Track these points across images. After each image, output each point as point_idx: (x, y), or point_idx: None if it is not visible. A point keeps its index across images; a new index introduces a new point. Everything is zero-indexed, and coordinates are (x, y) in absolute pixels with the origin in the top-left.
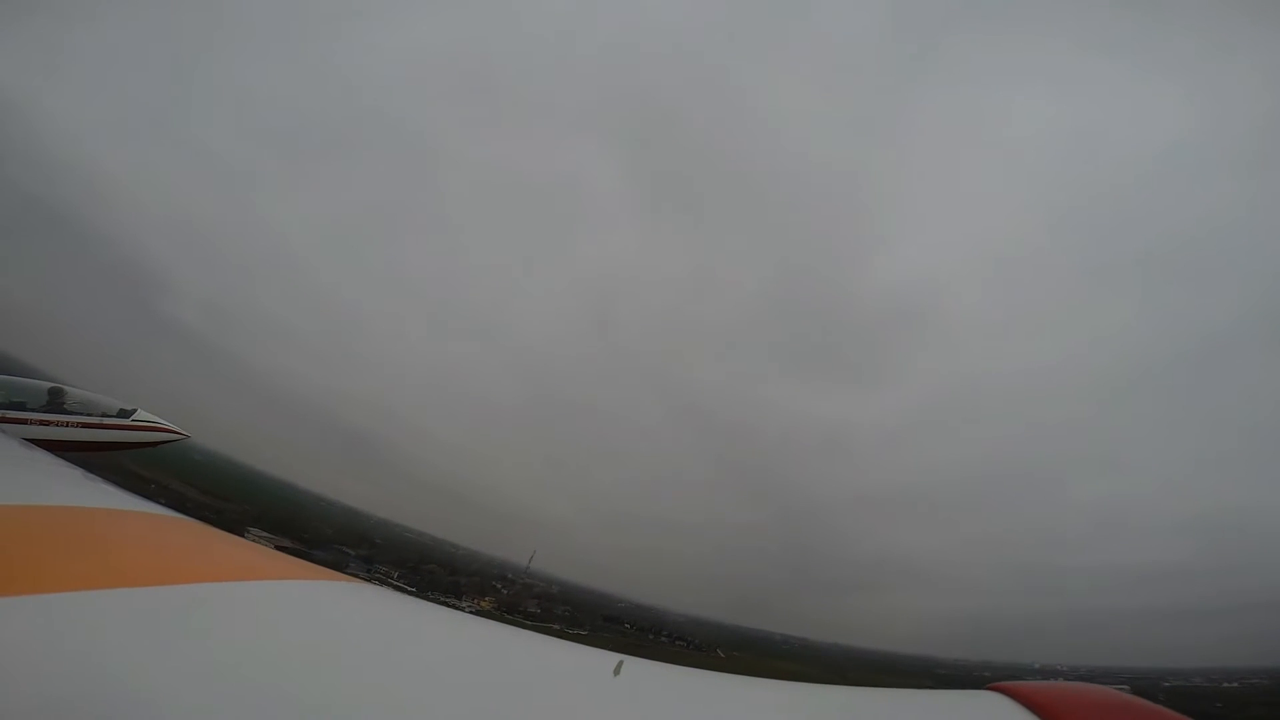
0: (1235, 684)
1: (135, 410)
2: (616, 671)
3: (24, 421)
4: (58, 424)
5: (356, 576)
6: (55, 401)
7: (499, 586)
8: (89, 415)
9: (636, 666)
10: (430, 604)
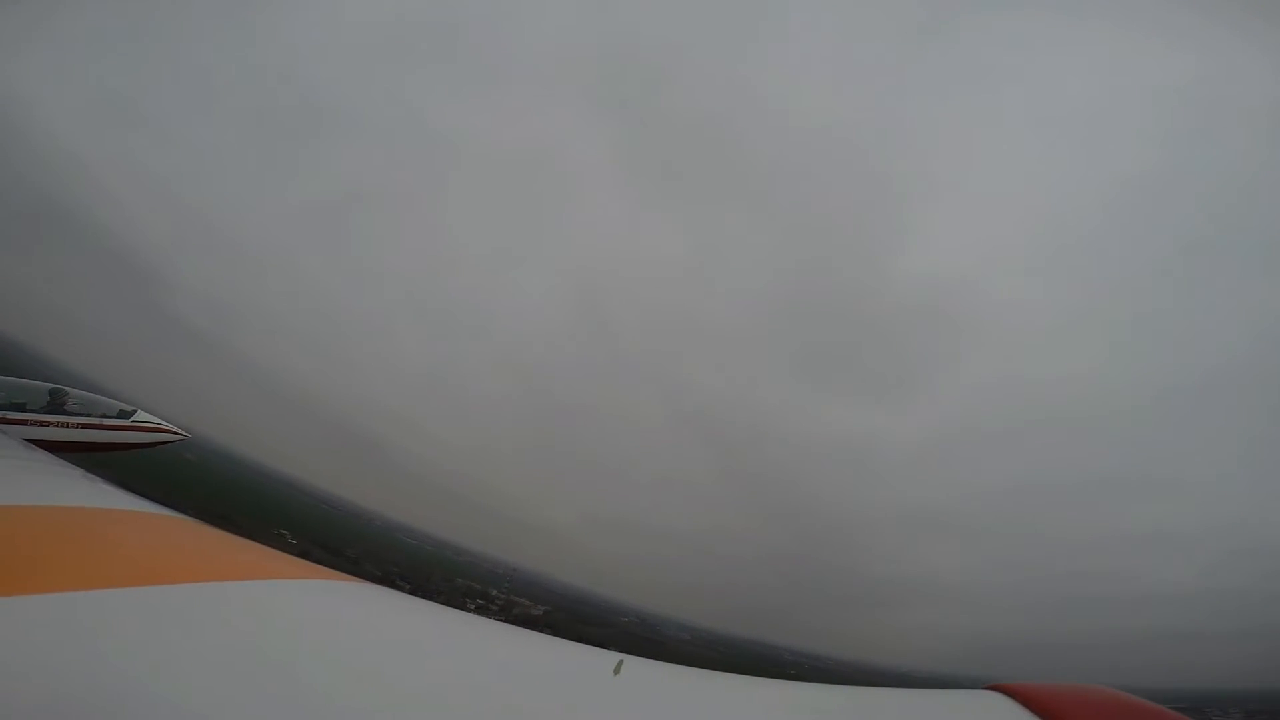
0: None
1: (135, 411)
2: (617, 671)
3: (24, 422)
4: (58, 424)
5: (358, 577)
6: (55, 402)
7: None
8: (89, 416)
9: (637, 666)
10: (431, 604)
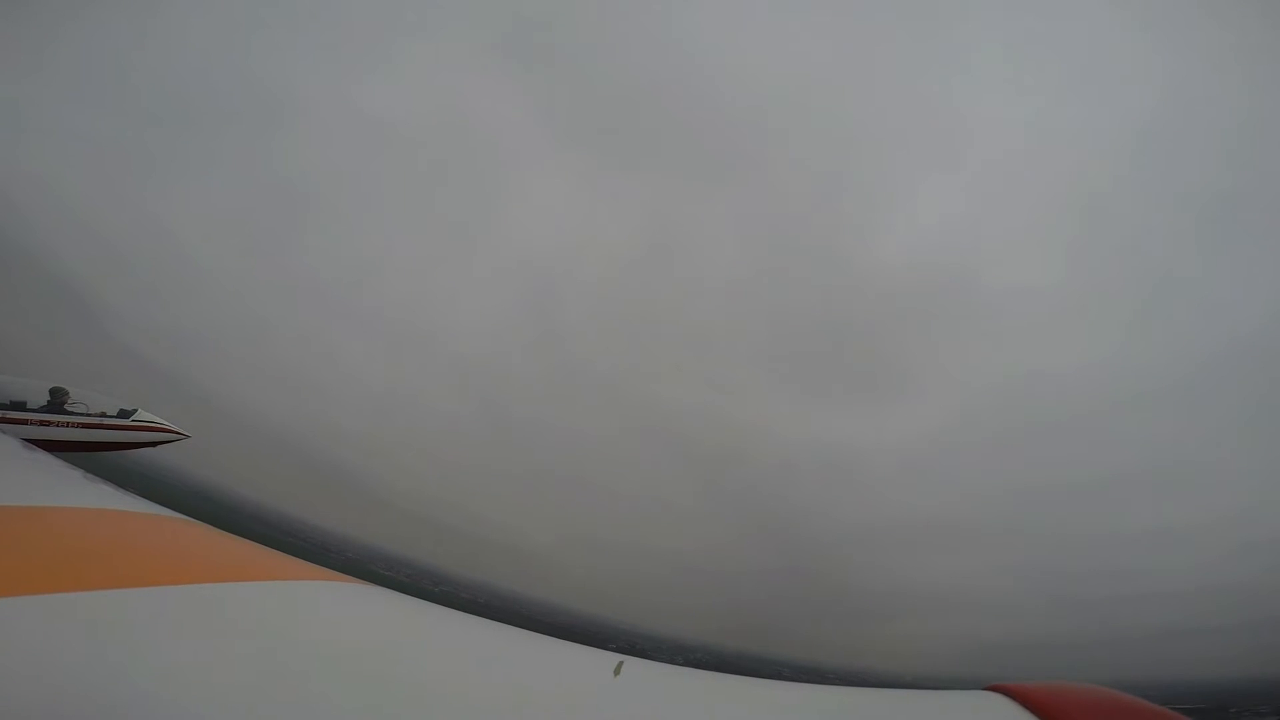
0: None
1: (135, 410)
2: (617, 672)
3: (24, 421)
4: (58, 424)
5: (358, 577)
6: (55, 401)
7: None
8: (89, 415)
9: (637, 667)
10: (431, 604)
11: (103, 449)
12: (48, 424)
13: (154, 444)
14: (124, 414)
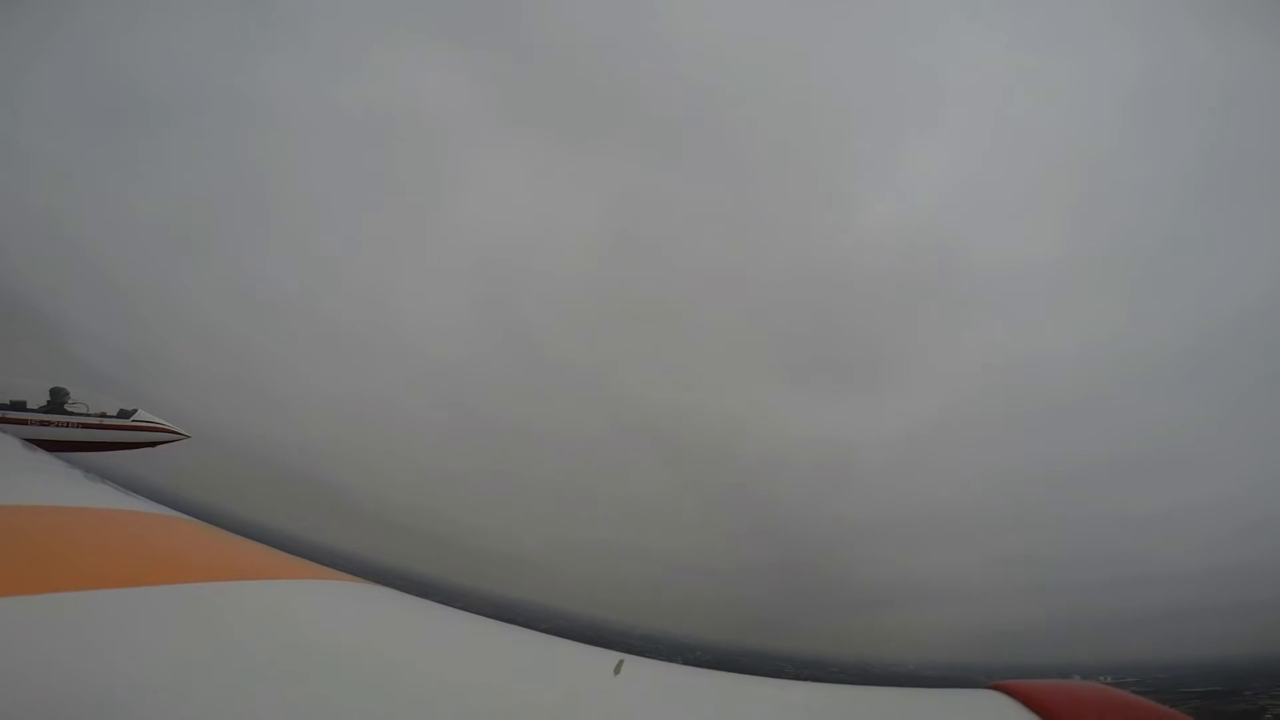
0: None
1: (135, 410)
2: (617, 671)
3: (24, 421)
4: (58, 424)
5: (358, 577)
6: (56, 401)
7: None
8: (89, 415)
9: (637, 665)
10: (431, 603)
11: (103, 449)
12: (48, 424)
13: (154, 444)
14: (124, 414)
